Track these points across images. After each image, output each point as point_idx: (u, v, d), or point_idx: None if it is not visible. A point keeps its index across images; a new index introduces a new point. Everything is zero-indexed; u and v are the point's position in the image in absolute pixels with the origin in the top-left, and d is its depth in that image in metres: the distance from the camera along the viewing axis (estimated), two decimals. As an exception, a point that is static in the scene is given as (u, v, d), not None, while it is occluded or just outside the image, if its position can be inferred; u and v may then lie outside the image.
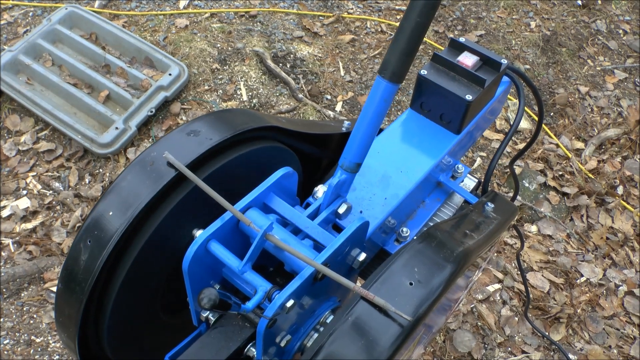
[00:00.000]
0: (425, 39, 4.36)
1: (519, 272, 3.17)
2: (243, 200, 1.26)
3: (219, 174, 1.34)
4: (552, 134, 3.89)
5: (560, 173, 3.69)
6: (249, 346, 1.28)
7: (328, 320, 1.33)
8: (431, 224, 1.70)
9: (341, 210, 1.36)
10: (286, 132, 1.53)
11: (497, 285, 3.17)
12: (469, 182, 1.80)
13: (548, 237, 3.43)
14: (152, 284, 1.36)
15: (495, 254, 3.29)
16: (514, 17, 4.56)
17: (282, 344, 1.24)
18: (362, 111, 1.26)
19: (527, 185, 3.58)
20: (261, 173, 1.41)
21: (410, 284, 1.08)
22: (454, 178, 1.77)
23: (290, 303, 1.12)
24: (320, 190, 1.42)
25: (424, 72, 1.61)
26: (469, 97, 1.55)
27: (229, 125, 1.35)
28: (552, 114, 4.05)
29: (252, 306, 1.14)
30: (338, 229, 1.44)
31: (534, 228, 3.45)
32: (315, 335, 1.33)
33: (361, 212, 1.49)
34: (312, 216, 1.36)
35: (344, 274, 1.35)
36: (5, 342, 2.92)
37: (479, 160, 3.71)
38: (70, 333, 1.30)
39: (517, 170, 3.65)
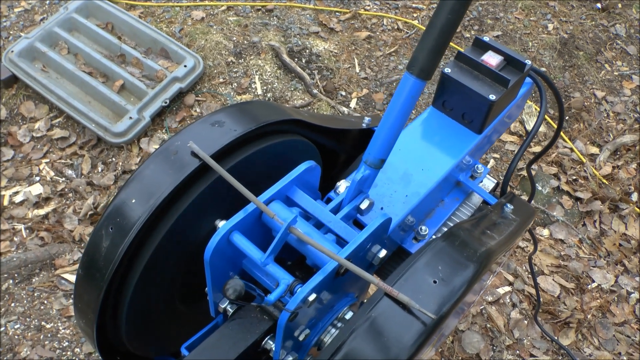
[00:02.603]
0: (441, 38, 4.33)
1: (530, 276, 3.15)
2: (266, 192, 1.26)
3: (241, 165, 1.34)
4: (566, 138, 3.87)
5: (574, 178, 3.67)
6: (266, 339, 1.28)
7: (347, 316, 1.33)
8: (450, 223, 1.69)
9: (363, 206, 1.35)
10: (309, 126, 1.52)
11: (508, 288, 3.16)
12: (488, 183, 1.79)
13: (560, 241, 3.41)
14: (172, 272, 1.36)
15: (507, 257, 3.27)
16: (531, 18, 4.53)
17: (301, 338, 1.24)
18: (389, 107, 1.25)
19: (540, 188, 3.56)
20: (283, 166, 1.40)
21: (434, 282, 1.08)
22: (473, 178, 1.76)
23: (312, 297, 1.12)
24: (343, 185, 1.41)
25: (447, 70, 1.60)
26: (492, 97, 1.54)
27: (253, 117, 1.35)
28: (567, 118, 4.02)
29: (274, 298, 1.14)
30: (358, 224, 1.44)
31: (545, 232, 3.44)
32: (333, 330, 1.32)
33: (382, 208, 1.48)
34: (334, 211, 1.35)
35: (363, 270, 1.35)
36: (16, 326, 2.93)
37: (492, 162, 3.69)
38: (89, 320, 1.30)
39: (532, 172, 3.63)
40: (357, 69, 4.16)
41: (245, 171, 1.36)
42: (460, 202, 1.72)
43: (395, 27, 4.38)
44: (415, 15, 4.46)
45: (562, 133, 3.89)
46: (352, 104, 3.97)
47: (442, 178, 1.55)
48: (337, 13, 4.48)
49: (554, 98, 4.02)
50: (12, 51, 3.68)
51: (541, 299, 3.12)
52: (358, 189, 1.34)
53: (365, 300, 1.60)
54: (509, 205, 1.62)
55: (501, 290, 3.14)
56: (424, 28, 4.37)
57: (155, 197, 1.20)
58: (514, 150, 3.75)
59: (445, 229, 1.68)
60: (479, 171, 1.75)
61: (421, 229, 1.61)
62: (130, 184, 1.24)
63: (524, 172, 3.62)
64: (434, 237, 1.61)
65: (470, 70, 1.60)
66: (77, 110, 3.50)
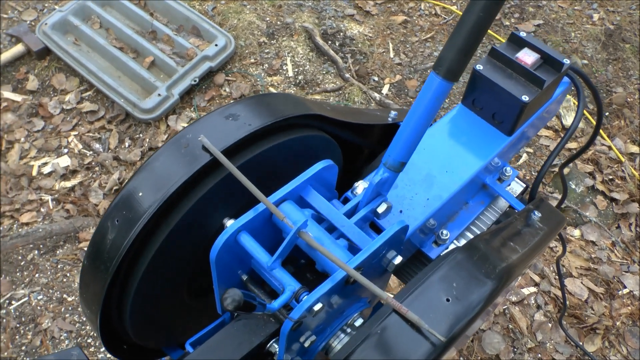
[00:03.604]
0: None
1: (557, 277, 3.05)
2: (279, 192, 1.20)
3: (256, 161, 1.29)
4: (605, 136, 3.71)
5: (611, 177, 3.52)
6: (271, 342, 1.24)
7: (356, 323, 1.27)
8: (473, 228, 1.62)
9: (380, 209, 1.29)
10: (330, 120, 1.46)
11: (533, 289, 3.07)
12: (516, 186, 1.71)
13: (591, 243, 3.29)
14: (179, 267, 1.32)
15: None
16: (575, 7, 4.34)
17: (306, 345, 1.20)
18: (412, 108, 1.18)
19: (573, 186, 3.43)
20: (301, 162, 1.35)
21: (447, 300, 1.02)
22: (501, 181, 1.68)
23: (318, 307, 1.07)
24: (360, 186, 1.35)
25: (479, 66, 1.51)
26: (525, 98, 1.45)
27: (270, 111, 1.29)
28: (607, 114, 3.86)
29: (277, 306, 1.09)
30: (376, 227, 1.38)
31: (577, 232, 3.32)
32: (342, 335, 1.28)
33: (401, 211, 1.41)
34: (350, 213, 1.29)
35: (378, 275, 1.30)
36: (39, 297, 2.97)
37: (525, 157, 3.57)
38: (93, 310, 1.28)
39: (566, 170, 3.50)
40: (392, 54, 4.06)
41: (261, 166, 1.31)
42: (485, 205, 1.64)
43: (433, 12, 4.24)
44: (454, 0, 4.31)
45: (600, 130, 3.73)
46: (385, 90, 3.88)
47: (466, 182, 1.47)
48: (374, -5, 4.36)
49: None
50: (46, 23, 3.68)
51: (568, 302, 3.03)
52: (376, 192, 1.28)
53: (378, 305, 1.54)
54: (536, 212, 1.54)
55: (526, 291, 3.05)
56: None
57: (163, 191, 1.17)
58: (548, 146, 3.62)
59: (468, 234, 1.61)
60: (507, 174, 1.67)
61: (442, 232, 1.54)
62: (138, 175, 1.21)
63: (558, 169, 3.49)
64: (455, 242, 1.54)
65: (503, 68, 1.51)
66: (106, 85, 3.50)
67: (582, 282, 3.12)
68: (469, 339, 2.77)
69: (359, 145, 1.68)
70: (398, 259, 1.26)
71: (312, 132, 1.41)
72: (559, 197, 3.39)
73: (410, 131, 1.19)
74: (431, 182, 1.46)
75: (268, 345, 1.25)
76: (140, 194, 1.18)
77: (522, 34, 1.56)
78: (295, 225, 1.10)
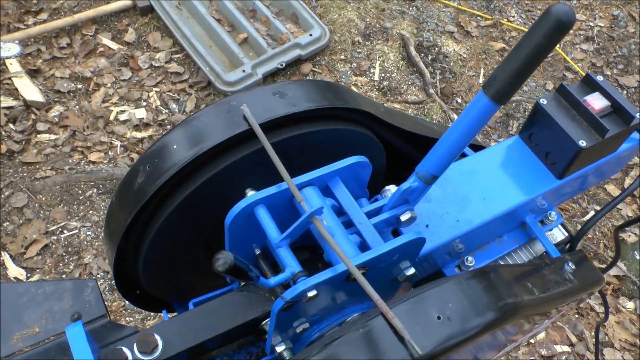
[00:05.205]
0: (576, 66, 4.04)
1: (595, 343, 2.90)
2: (305, 175, 1.21)
3: (294, 142, 1.31)
4: (687, 211, 3.49)
5: (682, 255, 3.30)
6: (267, 320, 1.26)
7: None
8: (501, 262, 1.57)
9: (404, 217, 1.27)
10: (378, 120, 1.45)
11: (567, 348, 2.93)
12: (558, 234, 1.64)
13: (643, 318, 3.10)
14: (198, 226, 1.36)
15: (576, 316, 3.03)
16: (688, 74, 4.10)
17: (298, 330, 1.20)
18: (454, 123, 1.16)
19: (638, 257, 3.24)
20: (340, 155, 1.35)
21: (438, 317, 0.99)
22: (543, 224, 1.62)
23: (312, 293, 1.07)
24: (392, 190, 1.34)
25: (543, 101, 1.46)
26: (582, 144, 1.39)
27: (319, 97, 1.30)
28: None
29: (274, 283, 1.11)
30: (398, 234, 1.36)
31: (630, 305, 3.14)
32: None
33: (427, 226, 1.39)
34: (373, 214, 1.29)
35: (386, 283, 1.28)
36: (87, 233, 3.13)
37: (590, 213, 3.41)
38: (112, 246, 1.34)
39: (633, 239, 3.31)
40: (481, 79, 3.98)
41: (298, 149, 1.33)
42: (519, 244, 1.59)
43: (533, 47, 4.12)
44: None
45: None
46: (464, 113, 3.81)
47: (501, 214, 1.43)
48: (478, 17, 4.30)
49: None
50: (156, -18, 3.86)
51: (600, 372, 2.87)
52: (403, 198, 1.27)
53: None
54: (570, 263, 1.47)
55: (559, 348, 2.92)
56: (564, 55, 4.08)
57: (195, 148, 1.20)
58: (630, 216, 3.44)
59: (495, 267, 1.56)
60: (550, 218, 1.61)
61: (467, 259, 1.51)
62: (177, 129, 1.25)
63: (614, 231, 3.31)
64: (468, 271, 1.50)
65: (568, 108, 1.46)
66: (196, 51, 3.63)
67: (622, 356, 2.95)
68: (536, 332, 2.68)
69: (407, 154, 1.66)
70: (411, 271, 1.24)
71: (357, 128, 1.41)
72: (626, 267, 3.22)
73: (448, 146, 1.17)
74: (465, 206, 1.43)
75: (263, 322, 1.27)
76: (175, 147, 1.22)
77: (599, 78, 1.49)
78: (310, 209, 1.11)
